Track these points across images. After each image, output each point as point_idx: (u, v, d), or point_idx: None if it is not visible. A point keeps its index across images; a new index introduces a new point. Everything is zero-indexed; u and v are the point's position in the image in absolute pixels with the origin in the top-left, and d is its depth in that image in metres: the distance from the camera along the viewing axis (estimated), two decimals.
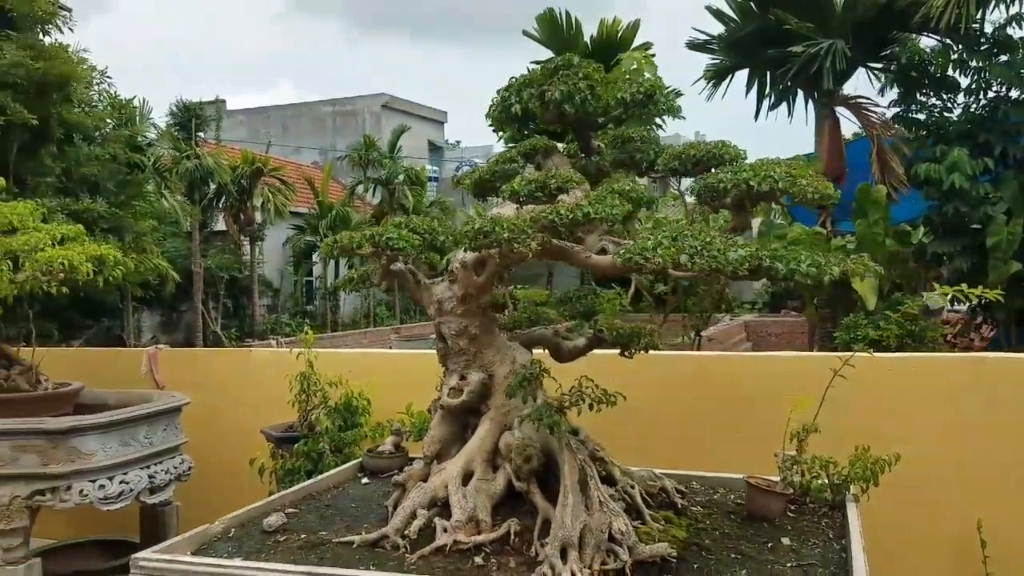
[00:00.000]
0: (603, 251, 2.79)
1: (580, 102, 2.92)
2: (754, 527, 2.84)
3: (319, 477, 3.51)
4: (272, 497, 3.18)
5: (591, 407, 2.73)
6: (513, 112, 3.01)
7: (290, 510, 3.00)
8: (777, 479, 3.07)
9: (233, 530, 2.81)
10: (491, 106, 3.09)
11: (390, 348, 12.63)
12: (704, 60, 14.89)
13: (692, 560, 2.51)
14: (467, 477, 2.77)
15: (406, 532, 2.62)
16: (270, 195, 20.93)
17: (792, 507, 3.02)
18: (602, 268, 2.74)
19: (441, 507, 2.72)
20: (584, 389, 2.76)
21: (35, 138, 10.36)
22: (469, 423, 2.97)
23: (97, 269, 4.10)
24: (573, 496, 2.52)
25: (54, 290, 3.97)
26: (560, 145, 3.42)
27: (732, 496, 3.21)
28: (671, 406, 4.16)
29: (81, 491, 3.69)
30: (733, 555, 2.57)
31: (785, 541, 2.69)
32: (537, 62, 3.21)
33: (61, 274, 3.93)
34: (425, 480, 2.84)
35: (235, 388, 5.09)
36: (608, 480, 2.85)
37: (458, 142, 41.87)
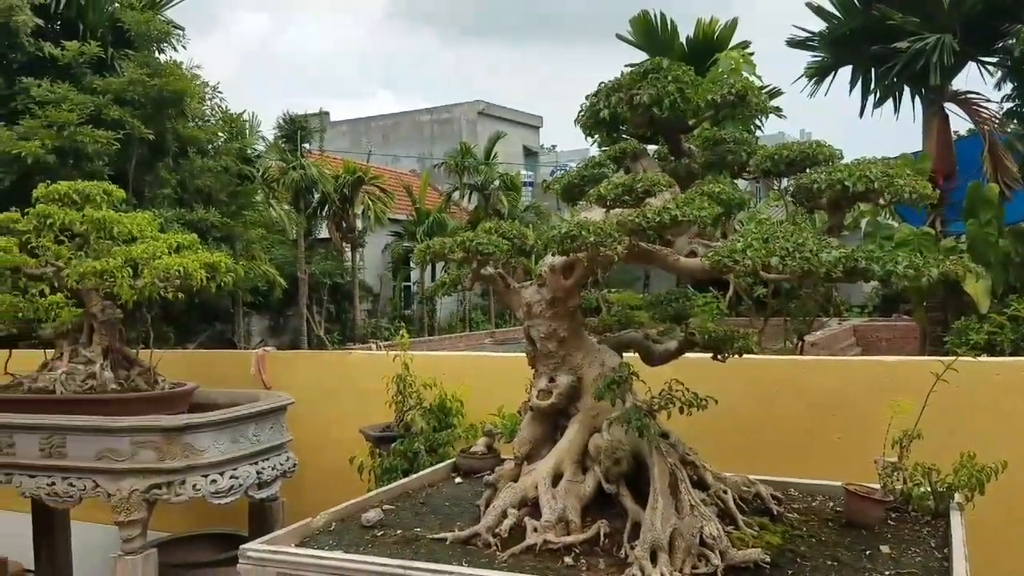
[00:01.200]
0: (692, 254, 2.78)
1: (669, 105, 2.91)
2: (852, 535, 2.76)
3: (415, 476, 3.60)
4: (370, 494, 3.29)
5: (681, 410, 2.72)
6: (602, 117, 3.03)
7: (387, 507, 3.10)
8: (877, 486, 2.98)
9: (334, 524, 2.92)
10: (580, 112, 3.12)
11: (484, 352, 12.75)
12: (806, 58, 14.53)
13: (786, 566, 2.47)
14: (557, 478, 2.79)
15: (497, 530, 2.67)
16: (370, 203, 21.54)
17: (893, 515, 2.93)
18: (691, 271, 2.73)
19: (531, 507, 2.76)
20: (674, 392, 2.76)
21: (152, 152, 11.02)
22: (559, 425, 3.00)
23: (210, 276, 4.33)
24: (663, 499, 2.52)
25: (171, 295, 4.21)
26: (651, 148, 3.41)
27: (831, 503, 3.13)
28: (766, 411, 4.08)
29: (194, 485, 3.89)
30: (829, 562, 2.51)
31: (884, 549, 2.61)
32: (631, 65, 3.21)
33: (177, 280, 4.17)
34: (516, 480, 2.88)
35: (335, 389, 5.26)
36: (700, 484, 2.82)
37: (553, 146, 41.98)
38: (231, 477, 4.02)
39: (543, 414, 3.01)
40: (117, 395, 4.26)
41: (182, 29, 12.14)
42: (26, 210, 4.54)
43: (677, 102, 2.88)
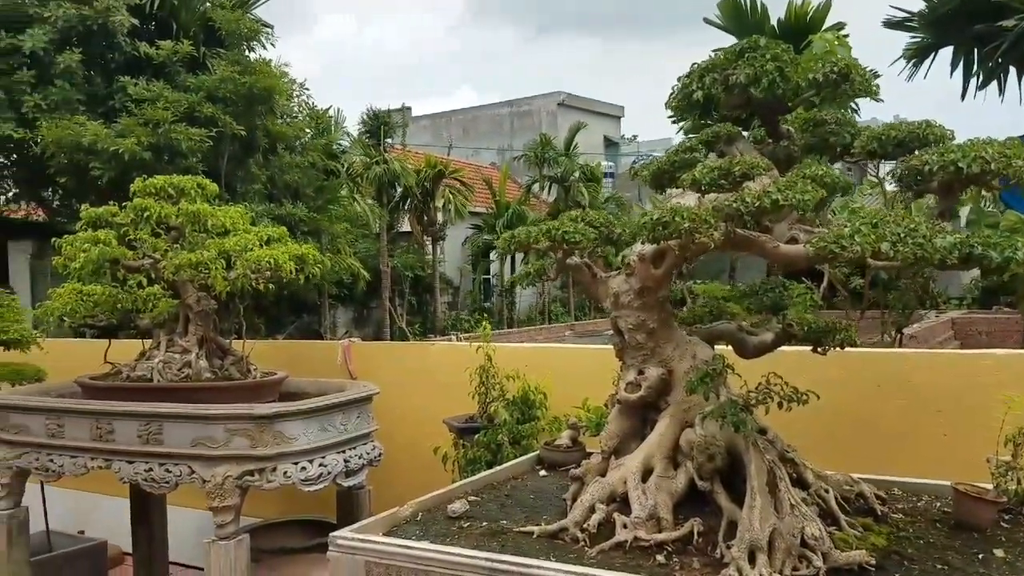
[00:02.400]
0: (793, 240, 2.65)
1: (767, 85, 2.77)
2: (962, 537, 2.61)
3: (499, 468, 3.57)
4: (455, 485, 3.28)
5: (780, 405, 2.60)
6: (694, 99, 2.91)
7: (472, 498, 3.08)
8: (989, 486, 2.80)
9: (420, 514, 2.91)
10: (671, 94, 3.01)
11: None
12: (903, 40, 13.91)
13: (892, 569, 2.34)
14: (646, 473, 2.72)
15: (585, 526, 2.61)
16: (451, 196, 21.68)
17: (1006, 517, 2.76)
18: (792, 258, 2.60)
19: (620, 503, 2.69)
20: (772, 386, 2.64)
21: (243, 148, 11.29)
22: (648, 419, 2.92)
23: (299, 267, 4.39)
24: (761, 498, 2.42)
25: (262, 287, 4.28)
26: (745, 132, 3.29)
27: (938, 504, 2.96)
28: (869, 407, 3.90)
29: (285, 472, 3.96)
30: (939, 565, 2.37)
31: (998, 553, 2.45)
32: (718, 50, 3.10)
33: (268, 272, 4.24)
34: (603, 475, 2.82)
35: (418, 380, 5.29)
36: (800, 483, 2.71)
37: (635, 136, 41.46)
38: (320, 465, 4.07)
39: (631, 407, 2.93)
40: (212, 384, 4.37)
41: (271, 27, 12.40)
42: (124, 204, 4.69)
43: (776, 81, 2.75)
